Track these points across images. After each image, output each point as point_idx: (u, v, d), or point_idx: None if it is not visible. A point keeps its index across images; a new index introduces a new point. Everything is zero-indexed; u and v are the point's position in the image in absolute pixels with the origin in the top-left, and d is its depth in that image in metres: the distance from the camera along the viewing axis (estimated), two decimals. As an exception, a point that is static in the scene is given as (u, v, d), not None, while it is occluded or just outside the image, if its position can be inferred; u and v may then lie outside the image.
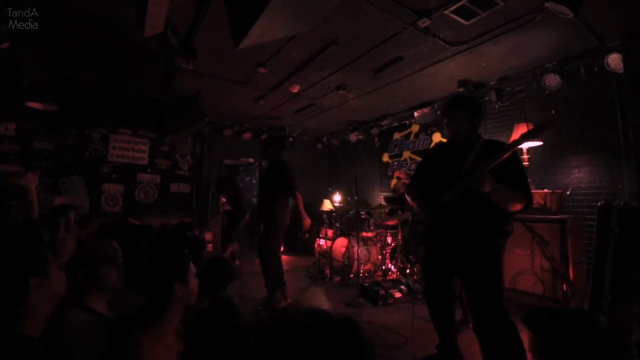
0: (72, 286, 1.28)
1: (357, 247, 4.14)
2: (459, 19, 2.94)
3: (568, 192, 3.70)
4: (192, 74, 3.97)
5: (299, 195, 3.56)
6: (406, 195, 2.32)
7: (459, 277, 2.03)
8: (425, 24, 2.98)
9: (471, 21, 2.96)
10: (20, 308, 0.90)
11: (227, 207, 5.93)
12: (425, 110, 5.13)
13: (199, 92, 4.84)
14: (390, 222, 5.01)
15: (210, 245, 5.34)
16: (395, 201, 4.97)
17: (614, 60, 3.18)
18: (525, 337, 1.17)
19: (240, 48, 2.09)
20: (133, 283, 1.41)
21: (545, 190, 3.50)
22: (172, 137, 5.44)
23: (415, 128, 5.88)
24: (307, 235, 6.89)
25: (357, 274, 3.88)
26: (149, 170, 5.96)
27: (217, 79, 4.36)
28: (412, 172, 3.75)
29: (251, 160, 7.26)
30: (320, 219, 6.36)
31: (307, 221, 3.63)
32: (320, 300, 3.96)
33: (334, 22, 2.95)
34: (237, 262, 5.55)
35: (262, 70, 3.94)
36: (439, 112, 4.82)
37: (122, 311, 1.32)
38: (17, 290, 0.90)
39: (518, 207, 1.78)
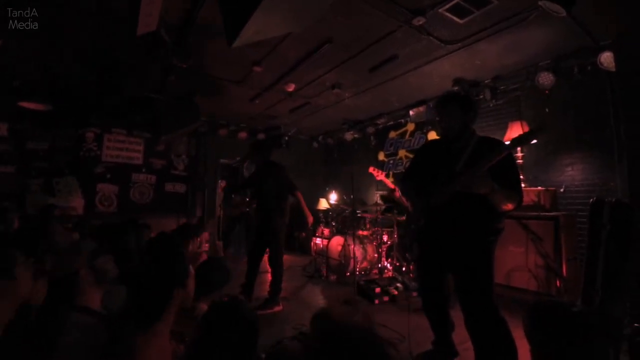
0: (67, 286, 1.28)
1: (353, 246, 4.15)
2: (454, 18, 2.95)
3: (562, 190, 3.74)
4: (187, 73, 3.95)
5: (299, 195, 3.64)
6: (399, 192, 2.33)
7: (452, 273, 2.04)
8: (420, 23, 2.98)
9: (465, 19, 2.97)
10: None
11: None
12: (421, 108, 5.14)
13: (194, 91, 4.82)
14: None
15: (207, 245, 5.32)
16: (392, 201, 4.99)
17: (607, 58, 3.21)
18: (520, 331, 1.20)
19: (235, 47, 2.09)
20: (124, 279, 1.41)
21: (539, 187, 3.53)
22: (167, 136, 5.41)
23: (410, 127, 5.89)
24: (303, 234, 6.90)
25: (353, 272, 3.89)
26: (143, 170, 5.92)
27: (212, 78, 4.35)
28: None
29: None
30: (317, 218, 6.36)
31: (310, 218, 3.75)
32: (317, 298, 3.97)
33: (329, 20, 2.95)
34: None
35: (257, 69, 3.93)
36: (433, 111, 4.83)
37: (113, 307, 1.32)
38: None
39: (510, 206, 1.79)
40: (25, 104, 4.36)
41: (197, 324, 1.17)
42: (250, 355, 1.09)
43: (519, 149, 3.79)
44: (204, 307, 1.42)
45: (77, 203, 5.23)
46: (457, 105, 1.99)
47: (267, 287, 3.49)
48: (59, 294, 1.20)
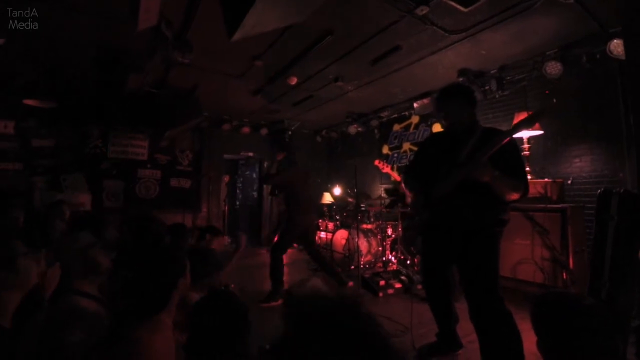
0: (66, 273, 1.31)
1: (357, 239, 4.15)
2: (458, 6, 2.87)
3: (569, 181, 3.68)
4: (189, 68, 3.94)
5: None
6: (403, 185, 2.30)
7: (456, 265, 2.03)
8: (424, 12, 2.92)
9: (470, 8, 2.89)
10: None
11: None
12: (425, 100, 5.08)
13: (195, 86, 4.81)
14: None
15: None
16: (396, 194, 4.97)
17: (617, 46, 3.11)
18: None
19: (235, 40, 2.07)
20: (120, 268, 1.44)
21: (546, 179, 3.47)
22: (170, 132, 5.42)
23: (415, 119, 5.83)
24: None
25: (357, 266, 3.89)
26: (149, 165, 5.96)
27: (214, 73, 4.33)
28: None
29: (251, 154, 7.24)
30: (321, 212, 6.37)
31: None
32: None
33: (329, 11, 2.89)
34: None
35: (258, 63, 3.90)
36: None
37: (112, 294, 1.35)
38: None
39: (515, 196, 1.76)
40: (29, 102, 4.39)
41: (189, 315, 1.19)
42: (238, 342, 1.10)
43: (525, 140, 3.73)
44: (194, 296, 1.44)
45: (85, 199, 5.30)
46: (464, 99, 1.94)
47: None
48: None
